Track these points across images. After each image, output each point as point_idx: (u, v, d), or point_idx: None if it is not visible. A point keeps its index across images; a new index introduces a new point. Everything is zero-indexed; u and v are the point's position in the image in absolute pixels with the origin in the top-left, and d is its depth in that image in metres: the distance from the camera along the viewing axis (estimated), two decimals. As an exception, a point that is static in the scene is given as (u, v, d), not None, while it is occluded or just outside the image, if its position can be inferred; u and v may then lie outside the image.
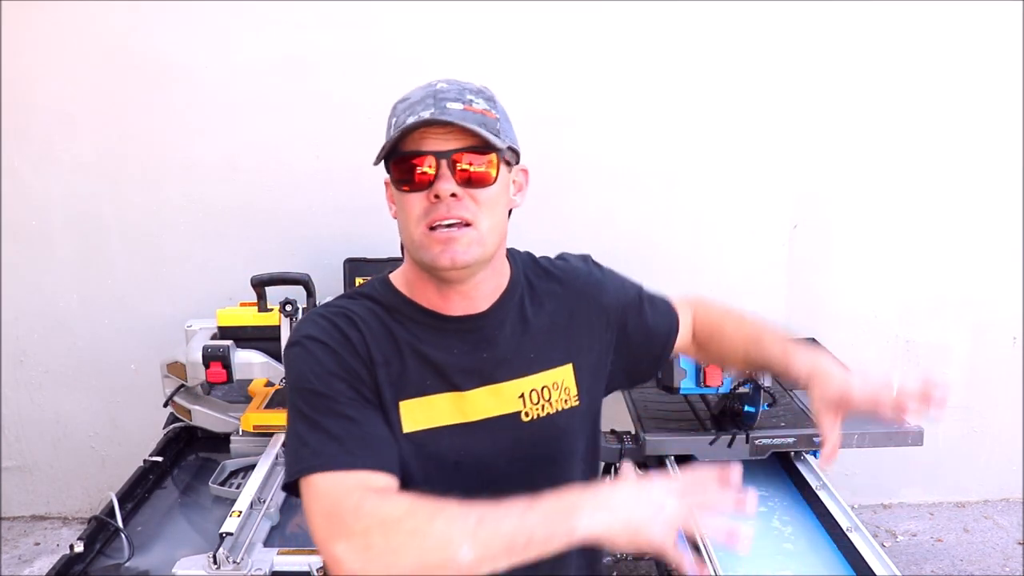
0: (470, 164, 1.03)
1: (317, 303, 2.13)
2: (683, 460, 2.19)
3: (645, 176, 2.92)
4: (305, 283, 2.13)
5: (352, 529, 0.91)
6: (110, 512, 1.87)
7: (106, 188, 2.89)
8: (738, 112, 2.88)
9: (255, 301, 2.14)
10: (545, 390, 1.15)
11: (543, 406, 1.14)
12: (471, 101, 1.05)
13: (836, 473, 3.18)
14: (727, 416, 2.22)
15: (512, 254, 1.21)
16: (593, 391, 1.21)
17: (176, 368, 2.20)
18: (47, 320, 3.03)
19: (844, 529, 1.84)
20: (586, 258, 1.29)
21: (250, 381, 2.40)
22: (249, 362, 2.09)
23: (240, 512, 1.76)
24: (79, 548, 1.74)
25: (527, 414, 1.13)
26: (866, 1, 2.79)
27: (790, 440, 2.12)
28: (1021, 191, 3.00)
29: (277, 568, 1.67)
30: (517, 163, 1.13)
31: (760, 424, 2.15)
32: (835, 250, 3.06)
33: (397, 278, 1.17)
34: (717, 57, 2.83)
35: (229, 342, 2.08)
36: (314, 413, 1.02)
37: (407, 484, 1.02)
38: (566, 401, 1.16)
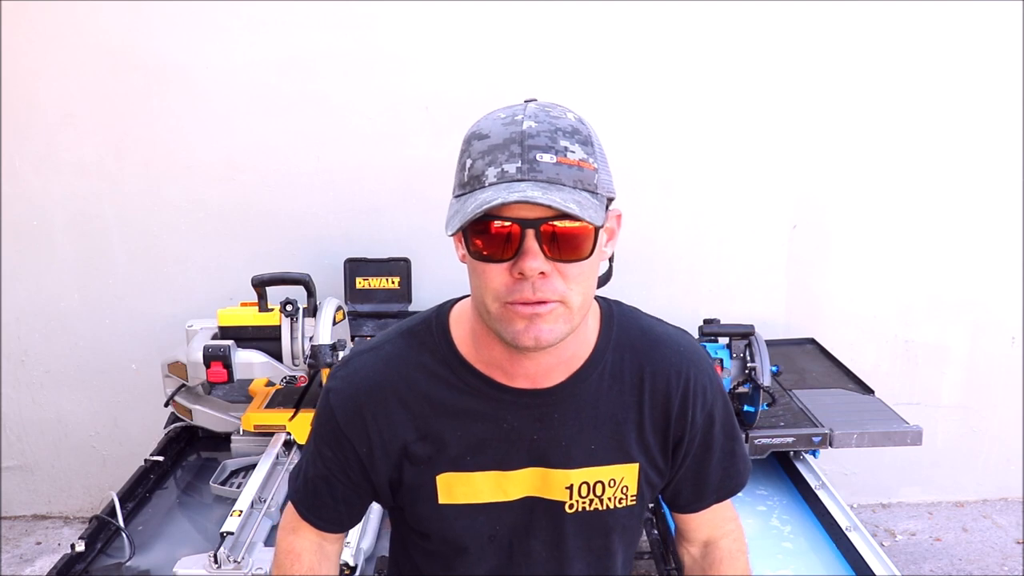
0: (563, 234, 0.86)
1: (317, 303, 2.13)
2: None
3: (645, 176, 2.92)
4: (305, 283, 2.13)
5: (276, 551, 1.17)
6: (111, 511, 1.87)
7: (106, 188, 2.89)
8: (738, 113, 2.88)
9: (256, 301, 2.14)
10: (599, 486, 1.04)
11: (591, 501, 1.05)
12: (565, 150, 0.86)
13: (835, 473, 3.19)
14: (727, 416, 2.22)
15: (609, 314, 1.05)
16: (652, 490, 1.10)
17: (177, 368, 2.20)
18: (48, 320, 3.03)
19: (843, 528, 1.85)
20: (708, 360, 1.11)
21: (251, 381, 2.40)
22: (250, 362, 2.09)
23: (241, 511, 1.77)
24: (80, 547, 1.75)
25: (571, 506, 1.04)
26: (866, 1, 2.79)
27: (789, 440, 2.13)
28: (1020, 191, 3.01)
29: (278, 567, 1.67)
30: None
31: (760, 424, 2.15)
32: (834, 250, 3.06)
33: (460, 326, 1.03)
34: (716, 58, 2.83)
35: (230, 342, 2.08)
36: (309, 458, 1.11)
37: (444, 548, 1.07)
38: (621, 500, 1.06)
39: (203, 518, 1.97)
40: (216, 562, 1.63)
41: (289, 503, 1.15)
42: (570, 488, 1.03)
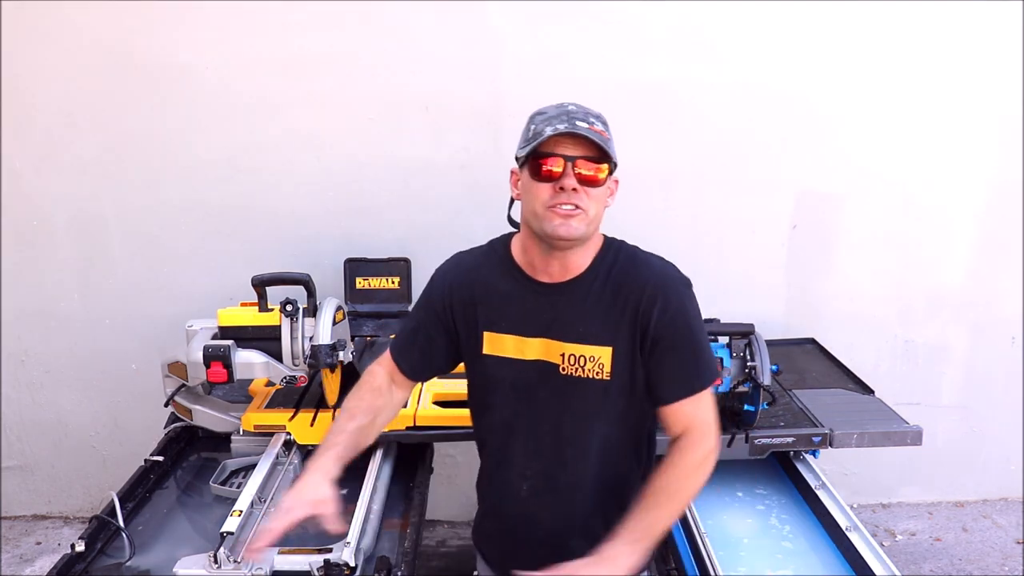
0: (588, 168, 1.37)
1: (317, 303, 2.13)
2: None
3: (645, 176, 2.92)
4: (305, 283, 2.13)
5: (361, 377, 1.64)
6: (111, 511, 1.87)
7: (106, 188, 2.89)
8: (738, 113, 2.88)
9: (256, 301, 2.14)
10: (583, 358, 1.45)
11: (576, 369, 1.46)
12: (593, 123, 1.38)
13: (835, 473, 3.19)
14: (726, 416, 2.22)
15: (610, 242, 1.51)
16: (626, 377, 1.46)
17: (177, 368, 2.20)
18: (48, 320, 3.03)
19: (843, 528, 1.85)
20: (683, 281, 1.51)
21: (251, 381, 2.40)
22: (250, 362, 2.09)
23: (241, 511, 1.77)
24: (80, 547, 1.74)
25: (563, 369, 1.47)
26: (865, 1, 2.79)
27: (789, 440, 2.13)
28: (1021, 191, 3.01)
29: (278, 568, 1.67)
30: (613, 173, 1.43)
31: (759, 424, 2.15)
32: (834, 251, 3.06)
33: (515, 242, 1.53)
34: (716, 57, 2.83)
35: (230, 342, 2.08)
36: (410, 316, 1.67)
37: (484, 391, 1.56)
38: (597, 373, 1.45)
39: (203, 518, 1.96)
40: (216, 562, 1.63)
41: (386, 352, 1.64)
42: (563, 355, 1.46)
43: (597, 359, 1.45)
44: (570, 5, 2.76)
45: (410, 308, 2.86)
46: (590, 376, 1.46)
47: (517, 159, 1.45)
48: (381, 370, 1.62)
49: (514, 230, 1.57)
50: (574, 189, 1.36)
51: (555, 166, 1.37)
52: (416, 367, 1.61)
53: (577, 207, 1.37)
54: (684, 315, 1.46)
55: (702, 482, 1.43)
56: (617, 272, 1.47)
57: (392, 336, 1.69)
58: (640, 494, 1.41)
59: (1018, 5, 2.82)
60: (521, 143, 1.43)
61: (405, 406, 1.71)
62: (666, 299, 1.44)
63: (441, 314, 1.56)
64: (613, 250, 1.50)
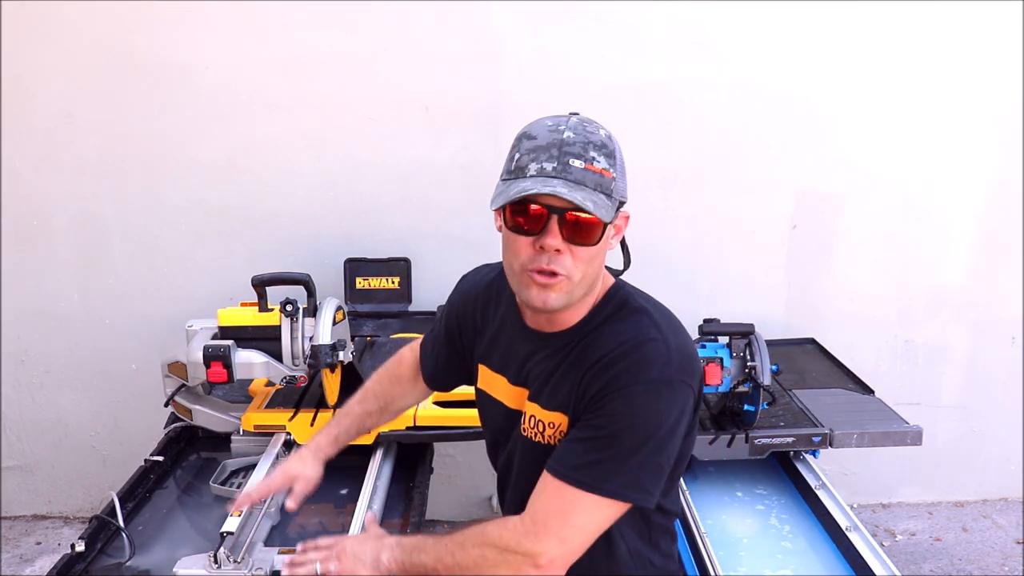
0: (578, 224, 1.11)
1: (318, 303, 2.13)
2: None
3: (645, 176, 2.92)
4: (306, 283, 2.13)
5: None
6: (111, 511, 1.87)
7: (106, 188, 2.89)
8: (738, 113, 2.88)
9: (256, 301, 2.14)
10: (540, 424, 1.26)
11: (534, 434, 1.27)
12: (593, 159, 1.10)
13: (835, 472, 3.19)
14: (726, 416, 2.23)
15: (614, 293, 1.25)
16: None
17: (177, 368, 2.20)
18: (48, 320, 3.03)
19: (843, 528, 1.85)
20: (655, 371, 1.15)
21: (251, 381, 2.40)
22: (250, 362, 2.09)
23: (241, 511, 1.77)
24: (80, 547, 1.74)
25: (524, 430, 1.29)
26: (865, 1, 2.79)
27: (789, 440, 2.13)
28: (1021, 191, 3.01)
29: (278, 567, 1.67)
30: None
31: (759, 424, 2.15)
32: (834, 251, 3.06)
33: None
34: (716, 57, 2.83)
35: (230, 342, 2.08)
36: (438, 316, 1.54)
37: (483, 425, 1.43)
38: (554, 438, 1.24)
39: (203, 518, 1.96)
40: (216, 562, 1.63)
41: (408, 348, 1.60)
42: (523, 415, 1.29)
43: (557, 426, 1.22)
44: (570, 5, 2.76)
45: (409, 308, 2.87)
46: (549, 443, 1.23)
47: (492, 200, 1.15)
48: (411, 359, 1.57)
49: None
50: (557, 250, 1.11)
51: (534, 220, 1.11)
52: (434, 375, 1.55)
53: (557, 274, 1.12)
54: (625, 407, 1.12)
55: (483, 570, 1.12)
56: (593, 332, 1.22)
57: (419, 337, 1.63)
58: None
59: (1018, 5, 2.82)
60: (503, 170, 1.16)
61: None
62: (613, 380, 1.13)
63: (453, 331, 1.47)
64: (613, 303, 1.24)
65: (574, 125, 1.12)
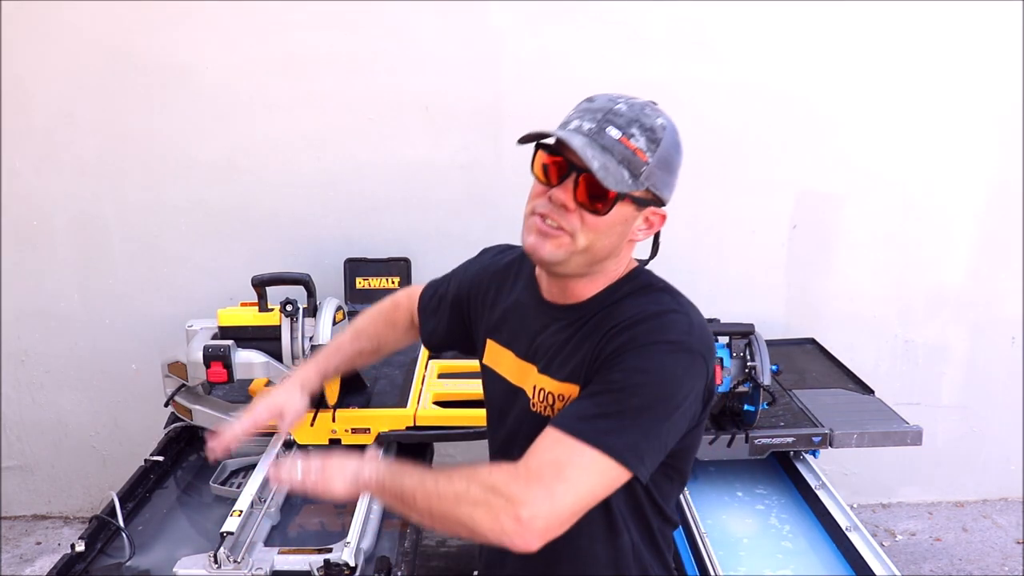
0: (592, 188, 1.08)
1: (318, 303, 2.13)
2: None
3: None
4: (305, 283, 2.13)
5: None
6: (111, 511, 1.87)
7: (106, 188, 2.89)
8: (738, 113, 2.88)
9: (256, 301, 2.14)
10: (550, 396, 1.21)
11: (545, 408, 1.21)
12: (633, 136, 1.08)
13: (835, 473, 3.19)
14: (726, 416, 2.22)
15: (635, 276, 1.22)
16: None
17: (177, 368, 2.20)
18: (48, 320, 3.03)
19: (843, 528, 1.85)
20: (670, 336, 1.12)
21: (251, 381, 2.40)
22: (250, 362, 2.09)
23: (241, 511, 1.76)
24: (80, 547, 1.74)
25: (534, 405, 1.23)
26: (865, 1, 2.79)
27: (789, 440, 2.13)
28: (1021, 191, 3.01)
29: (278, 567, 1.67)
30: (659, 205, 1.16)
31: (759, 424, 2.15)
32: (834, 251, 3.06)
33: None
34: (715, 57, 2.83)
35: (230, 342, 2.08)
36: (449, 276, 1.49)
37: (486, 400, 1.38)
38: None
39: (203, 518, 1.96)
40: (216, 562, 1.63)
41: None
42: (534, 388, 1.23)
43: (567, 398, 1.18)
44: (570, 5, 2.76)
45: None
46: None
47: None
48: (407, 307, 1.52)
49: None
50: (563, 206, 1.10)
51: (554, 170, 1.11)
52: (431, 335, 1.49)
53: (560, 228, 1.11)
54: (642, 363, 1.09)
55: (462, 514, 1.03)
56: (612, 306, 1.18)
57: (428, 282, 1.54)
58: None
59: (1018, 5, 2.82)
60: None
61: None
62: (631, 339, 1.11)
63: (463, 299, 1.42)
64: (634, 283, 1.21)
65: (634, 103, 1.11)
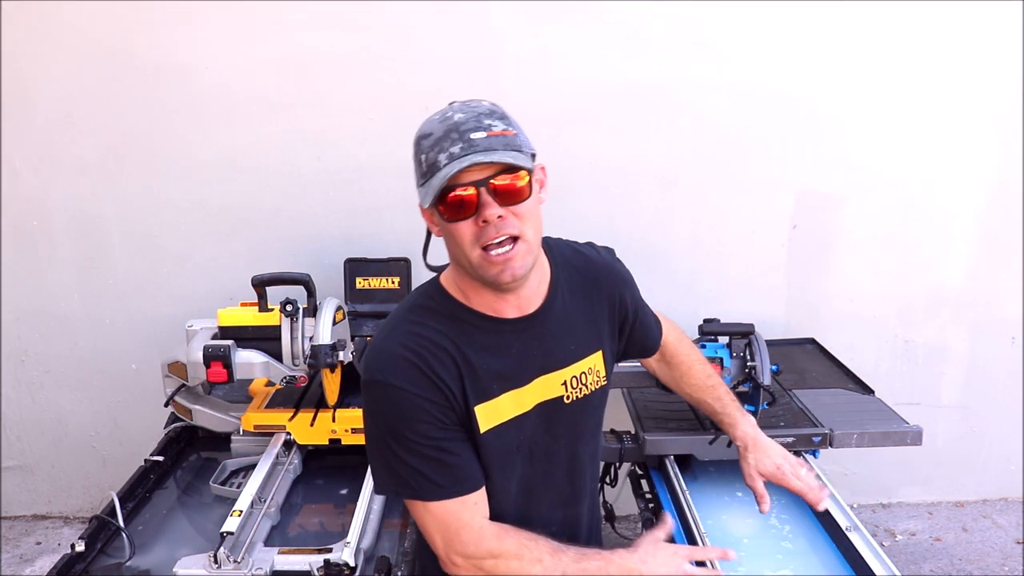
0: (506, 185, 1.14)
1: (317, 303, 2.13)
2: (683, 460, 2.19)
3: (644, 177, 2.92)
4: (305, 283, 2.13)
5: (469, 551, 1.22)
6: (111, 511, 1.87)
7: (106, 188, 2.89)
8: (738, 113, 2.88)
9: (256, 301, 2.14)
10: (583, 375, 1.33)
11: (580, 389, 1.33)
12: (490, 126, 1.14)
13: (835, 473, 3.19)
14: (726, 416, 2.22)
15: (548, 245, 1.34)
16: (610, 367, 1.41)
17: (177, 368, 2.20)
18: (48, 320, 3.03)
19: (843, 528, 1.85)
20: (611, 251, 1.47)
21: (251, 381, 2.40)
22: (250, 362, 2.09)
23: (241, 511, 1.77)
24: (80, 547, 1.75)
25: (568, 397, 1.32)
26: (865, 1, 2.79)
27: (789, 440, 2.13)
28: (1021, 191, 3.01)
29: (278, 567, 1.67)
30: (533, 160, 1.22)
31: (760, 424, 2.14)
32: (834, 251, 3.06)
33: (450, 285, 1.28)
34: (715, 57, 2.83)
35: (230, 342, 2.08)
36: (407, 460, 1.21)
37: (492, 470, 1.26)
38: (597, 382, 1.36)
39: (203, 518, 1.96)
40: (216, 562, 1.63)
41: (439, 525, 1.23)
42: (565, 383, 1.31)
43: (594, 368, 1.35)
44: (570, 5, 2.76)
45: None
46: (593, 390, 1.35)
47: (420, 204, 1.19)
48: (482, 510, 1.25)
49: (433, 277, 1.33)
50: (500, 217, 1.13)
51: (466, 201, 1.13)
52: (475, 468, 1.25)
53: (512, 238, 1.15)
54: (633, 282, 1.48)
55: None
56: (572, 272, 1.35)
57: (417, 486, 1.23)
58: (691, 377, 1.62)
59: (1018, 5, 2.82)
60: (417, 177, 1.18)
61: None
62: (621, 278, 1.44)
63: (443, 413, 1.21)
64: (554, 254, 1.35)
65: (459, 107, 1.18)
